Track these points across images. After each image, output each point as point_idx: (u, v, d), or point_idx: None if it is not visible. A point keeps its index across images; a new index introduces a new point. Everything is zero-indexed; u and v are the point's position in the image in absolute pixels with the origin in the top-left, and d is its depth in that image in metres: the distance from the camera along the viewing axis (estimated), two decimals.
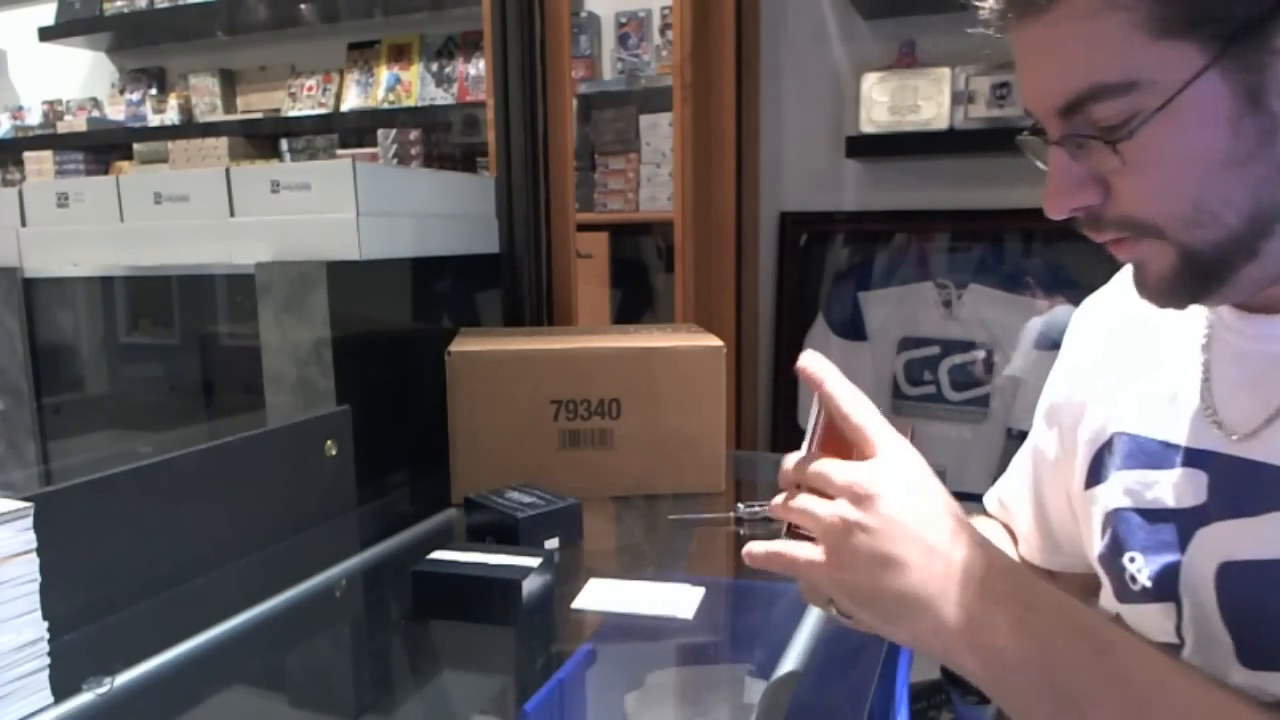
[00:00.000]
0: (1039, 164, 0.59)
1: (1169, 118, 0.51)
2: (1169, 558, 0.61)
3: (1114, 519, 0.65)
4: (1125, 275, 0.72)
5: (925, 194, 2.17)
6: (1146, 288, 0.58)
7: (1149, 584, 0.62)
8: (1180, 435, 0.62)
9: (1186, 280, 0.55)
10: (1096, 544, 0.68)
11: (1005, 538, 0.85)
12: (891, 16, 2.12)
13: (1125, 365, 0.69)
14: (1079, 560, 0.76)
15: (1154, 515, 0.63)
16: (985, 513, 0.88)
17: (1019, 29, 0.55)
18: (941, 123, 2.00)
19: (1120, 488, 0.65)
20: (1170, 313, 0.62)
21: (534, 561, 0.85)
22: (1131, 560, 0.63)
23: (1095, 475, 0.69)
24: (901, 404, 2.18)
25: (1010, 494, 0.85)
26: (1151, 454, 0.64)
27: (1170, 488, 0.62)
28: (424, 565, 0.86)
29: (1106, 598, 0.69)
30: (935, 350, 2.14)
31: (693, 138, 1.99)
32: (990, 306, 2.08)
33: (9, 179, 3.47)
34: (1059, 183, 0.56)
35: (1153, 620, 0.62)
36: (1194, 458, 0.61)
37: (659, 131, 2.41)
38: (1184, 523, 0.61)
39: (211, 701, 0.73)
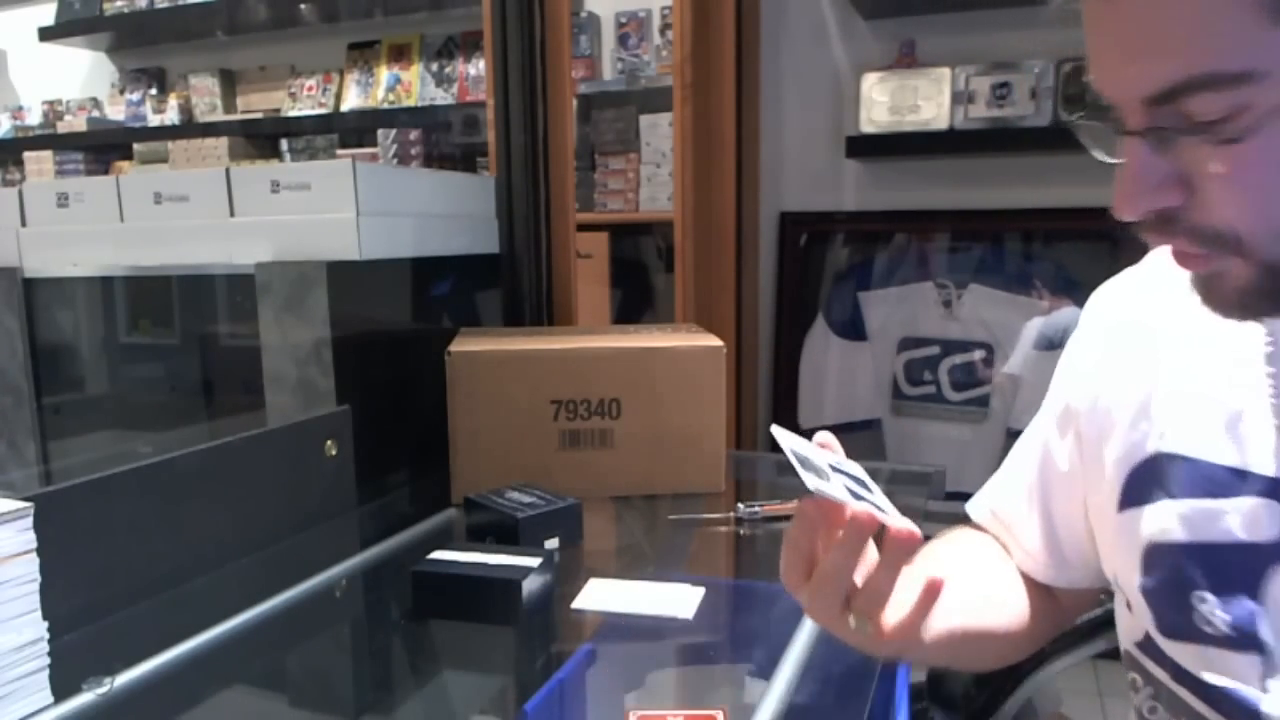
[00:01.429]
0: (1100, 155, 0.51)
1: None
2: (1244, 598, 0.56)
3: (1167, 552, 0.59)
4: (1148, 266, 0.67)
5: (925, 194, 2.17)
6: (1216, 300, 0.51)
7: (1229, 630, 0.56)
8: (1253, 461, 0.56)
9: (1267, 296, 0.49)
10: (1136, 574, 0.62)
11: (996, 550, 0.77)
12: (891, 16, 2.13)
13: (1160, 373, 0.62)
14: (1087, 576, 0.72)
15: (1220, 550, 0.57)
16: (970, 522, 0.80)
17: None
18: (941, 123, 2.00)
19: (1173, 516, 0.59)
20: (1216, 319, 0.56)
21: (534, 561, 0.85)
22: (1203, 601, 0.57)
23: (1133, 497, 0.62)
24: (901, 404, 2.18)
25: (1007, 505, 0.76)
26: (1216, 481, 0.57)
27: (1241, 519, 0.56)
28: (424, 565, 0.86)
29: (1133, 625, 0.64)
30: (935, 350, 2.14)
31: (693, 138, 1.99)
32: (990, 306, 2.08)
33: (9, 179, 3.47)
34: (1137, 180, 0.48)
35: (1234, 668, 0.57)
36: (1273, 487, 0.55)
37: (659, 131, 2.41)
38: (1258, 559, 0.55)
39: (211, 701, 0.73)
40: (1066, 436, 0.71)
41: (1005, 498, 0.77)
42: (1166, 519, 0.59)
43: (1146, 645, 0.64)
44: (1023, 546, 0.75)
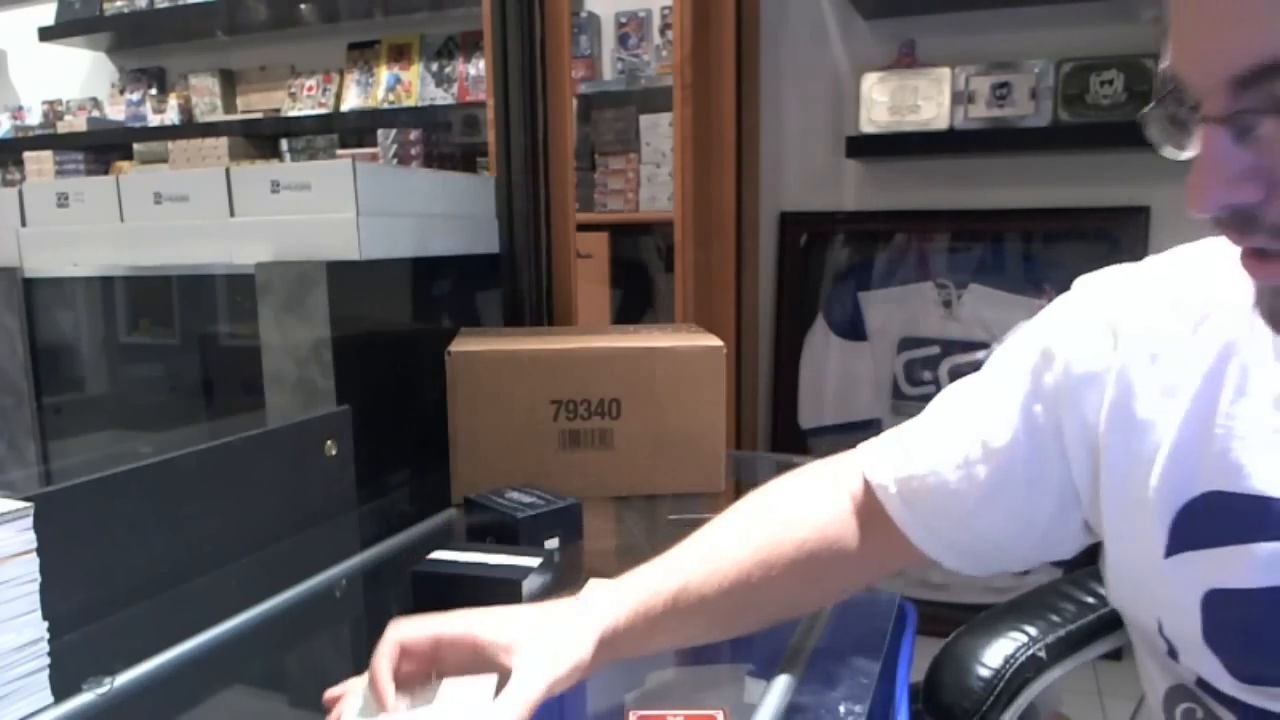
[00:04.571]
0: (1169, 152, 0.47)
1: None
2: None
3: (1240, 600, 0.54)
4: (1154, 268, 0.62)
5: (925, 194, 2.18)
6: None
7: None
8: None
9: None
10: (1188, 619, 0.56)
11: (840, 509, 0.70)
12: (891, 16, 2.13)
13: (1201, 398, 0.56)
14: (987, 564, 0.67)
15: None
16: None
17: None
18: (941, 123, 2.00)
19: (1240, 564, 0.53)
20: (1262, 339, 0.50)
21: (534, 561, 0.85)
22: None
23: (1184, 540, 0.56)
24: (901, 404, 2.18)
25: (932, 478, 0.66)
26: None
27: None
28: (424, 565, 0.86)
29: (1179, 671, 0.60)
30: (935, 350, 2.14)
31: (693, 138, 1.99)
32: (990, 306, 2.08)
33: (9, 179, 3.47)
34: (1216, 171, 0.43)
35: None
36: None
37: (659, 131, 2.41)
38: None
39: (211, 701, 0.73)
40: (1061, 442, 0.63)
41: (926, 469, 0.67)
42: (1234, 565, 0.54)
43: (1202, 686, 0.59)
44: (929, 525, 0.67)
